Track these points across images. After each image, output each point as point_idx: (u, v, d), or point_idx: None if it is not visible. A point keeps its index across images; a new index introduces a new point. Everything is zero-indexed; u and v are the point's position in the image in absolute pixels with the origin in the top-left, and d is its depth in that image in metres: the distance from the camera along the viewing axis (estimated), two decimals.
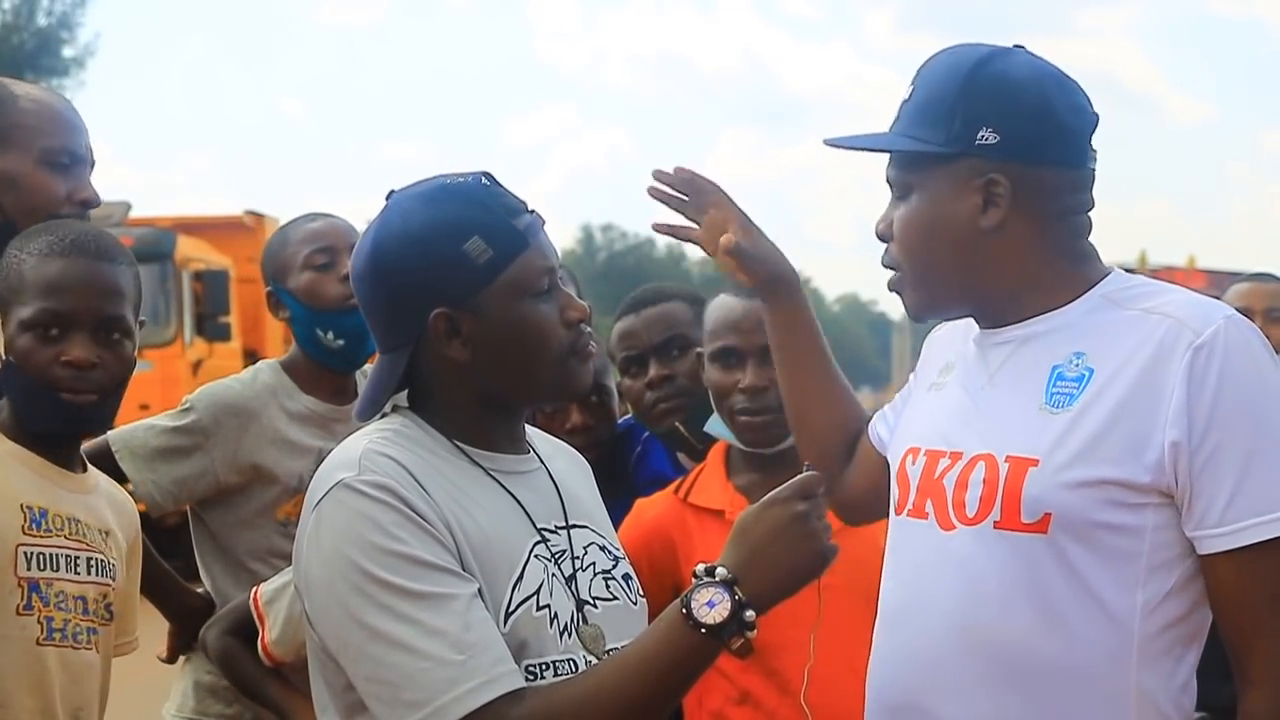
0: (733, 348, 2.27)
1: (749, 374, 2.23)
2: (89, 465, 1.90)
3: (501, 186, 1.59)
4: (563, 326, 1.57)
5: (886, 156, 1.69)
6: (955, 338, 1.76)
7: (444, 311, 1.53)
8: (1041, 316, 1.61)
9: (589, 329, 1.61)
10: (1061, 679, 1.51)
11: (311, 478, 2.44)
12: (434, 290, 1.53)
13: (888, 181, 1.69)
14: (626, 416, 2.71)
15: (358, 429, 2.59)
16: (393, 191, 1.61)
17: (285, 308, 2.55)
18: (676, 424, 2.50)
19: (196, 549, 2.47)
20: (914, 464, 1.66)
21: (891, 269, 1.68)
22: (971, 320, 1.73)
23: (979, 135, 1.59)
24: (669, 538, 2.26)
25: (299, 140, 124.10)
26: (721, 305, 2.32)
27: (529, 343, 1.55)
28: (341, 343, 2.50)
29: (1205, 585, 1.53)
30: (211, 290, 11.44)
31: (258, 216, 13.14)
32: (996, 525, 1.53)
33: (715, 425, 2.32)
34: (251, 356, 12.39)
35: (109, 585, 1.81)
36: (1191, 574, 1.54)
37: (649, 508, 2.34)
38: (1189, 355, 1.49)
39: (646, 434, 2.65)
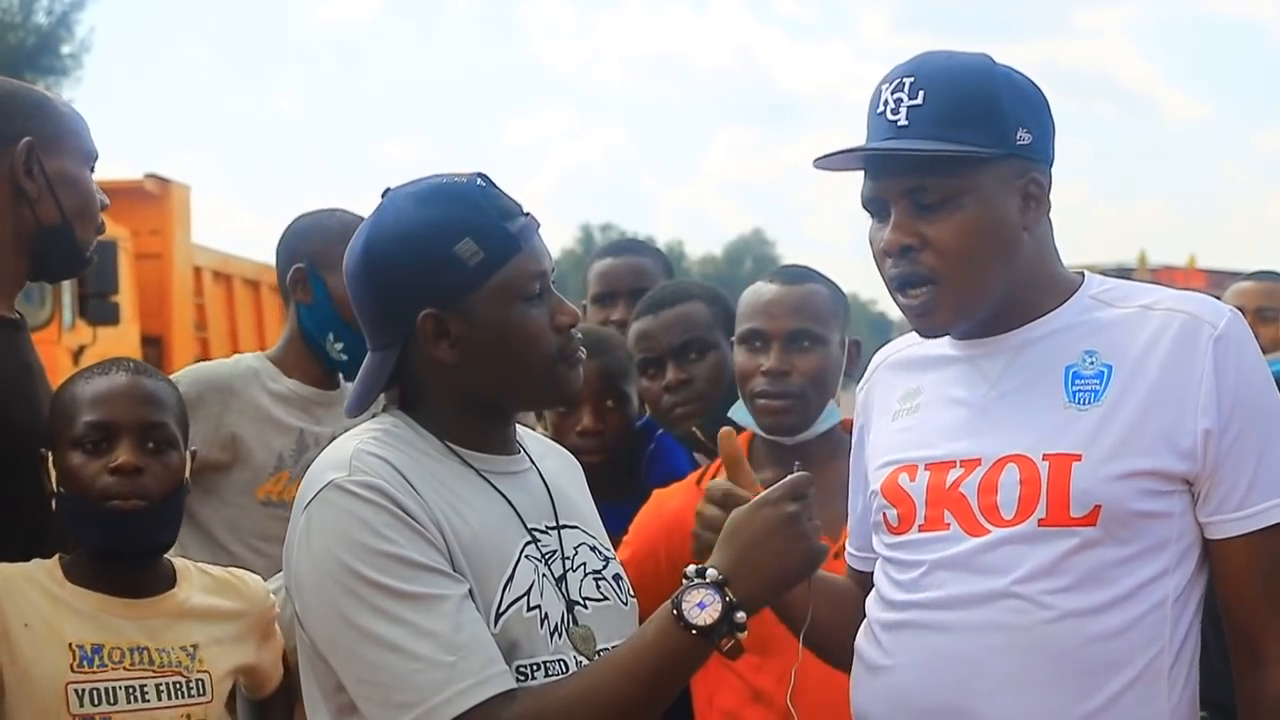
0: (759, 330, 2.55)
1: (772, 357, 2.51)
2: (181, 577, 2.14)
3: (497, 188, 1.82)
4: (552, 331, 1.80)
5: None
6: (898, 376, 2.01)
7: (432, 312, 1.76)
8: (1035, 322, 1.89)
9: (579, 334, 1.84)
10: (1106, 669, 1.77)
11: (291, 457, 2.83)
12: (424, 290, 1.76)
13: (895, 195, 1.83)
14: (644, 416, 2.99)
15: (340, 415, 2.92)
16: (389, 189, 1.85)
17: (310, 293, 2.84)
18: (694, 428, 2.77)
19: None
20: (913, 480, 1.89)
21: (918, 284, 1.85)
22: (904, 351, 2.01)
23: (1018, 135, 1.85)
24: (688, 528, 2.50)
25: (296, 139, 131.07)
26: (753, 291, 2.60)
27: (517, 347, 1.78)
28: (345, 357, 2.83)
29: (1215, 569, 1.83)
30: (96, 265, 11.25)
31: (163, 182, 12.94)
32: (1042, 523, 1.78)
33: (739, 412, 2.60)
34: (153, 343, 12.39)
35: (192, 703, 2.07)
36: (1202, 557, 1.83)
37: (669, 498, 2.62)
38: (1211, 346, 1.79)
39: (660, 432, 2.94)
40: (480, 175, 1.83)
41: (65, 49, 29.72)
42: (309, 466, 2.80)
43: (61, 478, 2.06)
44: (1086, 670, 1.77)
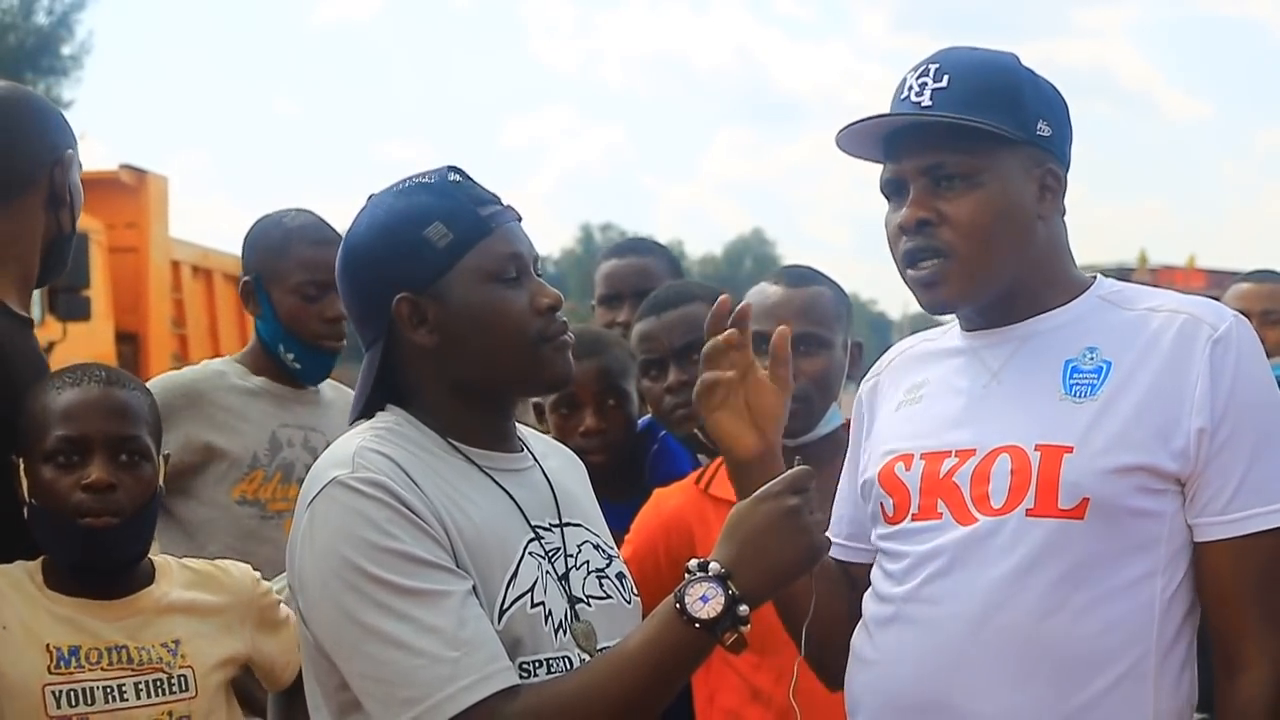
0: (765, 334, 2.61)
1: None
2: (160, 573, 2.20)
3: (470, 179, 1.91)
4: (533, 314, 1.87)
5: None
6: (909, 369, 2.08)
7: (406, 296, 1.85)
8: (1041, 316, 1.97)
9: (564, 318, 1.90)
10: (1090, 666, 1.83)
11: (266, 456, 2.97)
12: (397, 277, 1.85)
13: (914, 172, 1.91)
14: (645, 416, 3.09)
15: (315, 413, 2.98)
16: (372, 195, 1.94)
17: (259, 307, 2.98)
18: (695, 429, 2.83)
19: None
20: (909, 470, 1.97)
21: (931, 257, 1.93)
22: (916, 347, 2.08)
23: (1038, 126, 1.95)
24: (688, 528, 2.62)
25: (295, 140, 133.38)
26: (758, 292, 2.68)
27: (494, 327, 1.85)
28: (299, 366, 2.99)
29: (1198, 571, 1.88)
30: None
31: (139, 173, 12.91)
32: (1029, 513, 1.85)
33: None
34: (128, 340, 12.40)
35: (174, 700, 2.13)
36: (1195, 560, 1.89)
37: (668, 497, 2.71)
38: (1209, 347, 1.87)
39: (663, 433, 3.03)
40: (451, 168, 1.91)
41: (65, 50, 31.04)
42: (283, 466, 2.93)
43: (33, 489, 2.11)
44: (1071, 667, 1.83)
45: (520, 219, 1.93)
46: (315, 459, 2.86)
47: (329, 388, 3.12)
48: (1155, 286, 2.10)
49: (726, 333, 2.00)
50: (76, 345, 10.09)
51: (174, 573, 2.22)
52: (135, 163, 13.18)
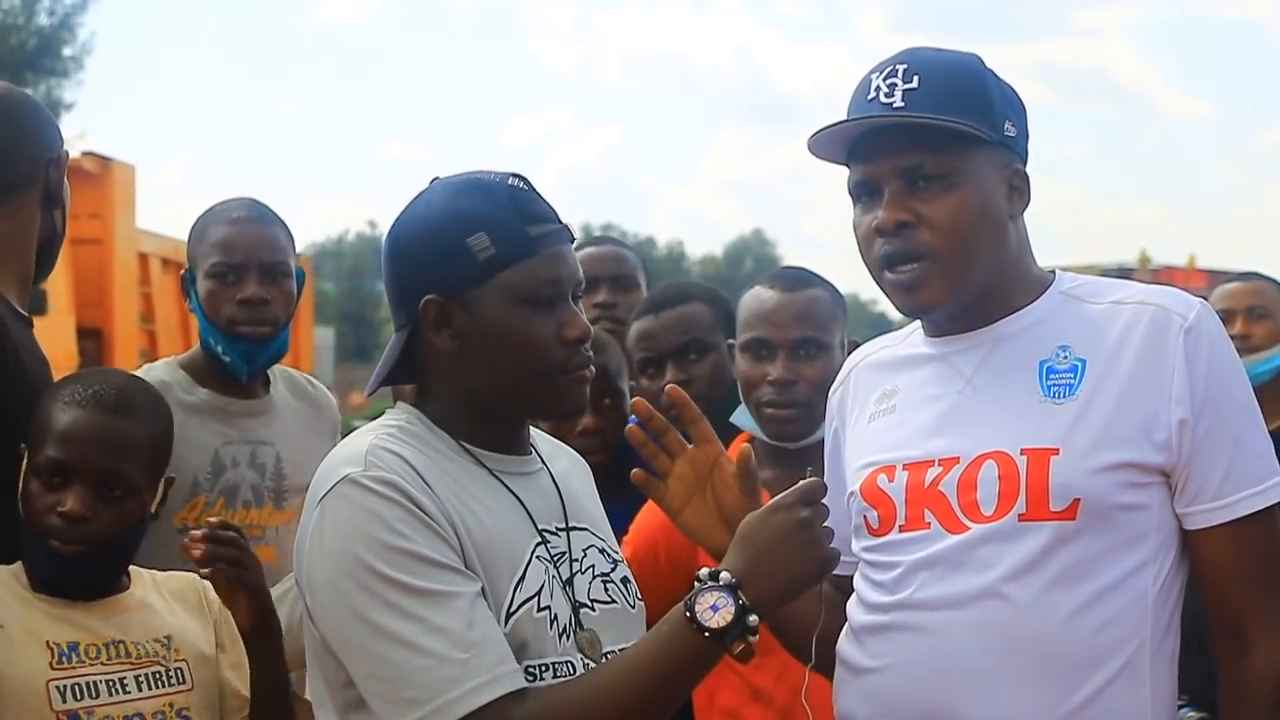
0: (764, 339, 2.71)
1: (778, 367, 2.68)
2: (135, 577, 2.25)
3: (534, 191, 1.93)
4: (557, 344, 1.91)
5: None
6: (873, 378, 2.13)
7: (435, 299, 1.89)
8: (1010, 317, 2.03)
9: (589, 350, 1.94)
10: (1090, 664, 1.89)
11: (207, 481, 2.89)
12: (431, 277, 1.90)
13: (889, 174, 1.96)
14: None
15: (264, 425, 2.89)
16: (436, 178, 1.98)
17: (192, 301, 2.93)
18: None
19: None
20: (892, 481, 2.02)
21: (910, 260, 1.98)
22: (876, 354, 2.13)
23: (1005, 126, 2.02)
24: None
25: (295, 139, 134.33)
26: (755, 297, 2.76)
27: (514, 350, 1.89)
28: (228, 359, 2.89)
29: (1196, 559, 1.96)
30: None
31: (103, 161, 12.64)
32: (1022, 518, 1.92)
33: (741, 417, 2.77)
34: (92, 336, 12.25)
35: (174, 692, 2.18)
36: (1181, 549, 1.97)
37: None
38: (1182, 336, 1.94)
39: None
40: (515, 175, 1.95)
41: (67, 51, 31.70)
42: (226, 490, 2.86)
43: (23, 494, 2.16)
44: (1071, 666, 1.89)
45: (572, 239, 1.96)
46: (264, 477, 2.89)
47: (284, 390, 3.04)
48: None
49: (633, 429, 2.05)
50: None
51: (146, 577, 2.28)
52: (135, 163, 13.04)
